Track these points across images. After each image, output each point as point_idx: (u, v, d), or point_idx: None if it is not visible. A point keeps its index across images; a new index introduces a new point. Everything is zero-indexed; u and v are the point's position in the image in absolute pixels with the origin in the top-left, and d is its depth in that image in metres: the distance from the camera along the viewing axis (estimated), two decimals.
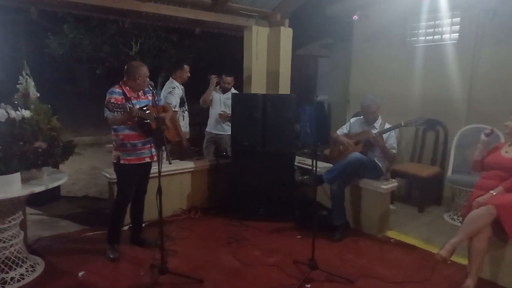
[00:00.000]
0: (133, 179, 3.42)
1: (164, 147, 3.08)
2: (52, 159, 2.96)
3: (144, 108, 3.25)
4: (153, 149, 3.44)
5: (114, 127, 3.30)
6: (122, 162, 3.33)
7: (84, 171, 6.59)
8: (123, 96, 3.24)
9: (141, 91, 3.41)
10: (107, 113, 3.14)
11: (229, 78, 4.90)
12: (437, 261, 2.85)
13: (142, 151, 3.37)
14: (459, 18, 4.86)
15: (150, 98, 3.41)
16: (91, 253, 3.42)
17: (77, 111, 11.22)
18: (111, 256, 3.34)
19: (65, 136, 3.41)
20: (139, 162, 3.37)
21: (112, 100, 3.12)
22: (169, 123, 3.61)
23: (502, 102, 4.33)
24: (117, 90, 3.26)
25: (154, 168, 3.68)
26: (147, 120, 3.23)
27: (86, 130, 9.96)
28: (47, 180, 3.03)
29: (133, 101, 3.28)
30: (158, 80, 10.71)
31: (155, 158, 3.47)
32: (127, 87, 3.31)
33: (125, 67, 3.34)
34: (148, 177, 3.60)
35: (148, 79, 3.32)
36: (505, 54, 4.45)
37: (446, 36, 5.04)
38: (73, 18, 8.92)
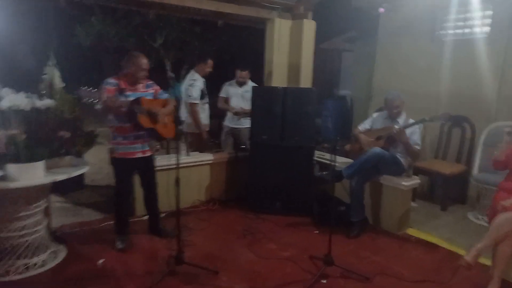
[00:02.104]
0: (127, 173, 3.40)
1: (184, 139, 3.08)
2: (75, 148, 3.02)
3: (134, 100, 3.17)
4: (146, 144, 3.39)
5: (109, 118, 3.24)
6: (115, 155, 3.31)
7: (108, 161, 6.70)
8: (116, 87, 3.17)
9: (142, 84, 3.33)
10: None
11: (244, 72, 4.87)
12: (461, 267, 2.76)
13: (134, 145, 3.31)
14: (491, 12, 4.67)
15: (151, 91, 3.36)
16: (111, 242, 3.47)
17: None
18: (119, 246, 3.38)
19: (89, 126, 3.49)
20: (132, 157, 3.32)
21: (105, 90, 3.09)
22: (166, 118, 3.41)
23: None
24: (111, 81, 3.19)
25: (168, 161, 3.73)
26: (136, 112, 3.14)
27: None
28: (70, 169, 3.11)
29: (127, 93, 3.20)
30: (181, 72, 10.80)
31: (148, 154, 3.42)
32: (124, 78, 3.24)
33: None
34: (151, 171, 3.57)
35: (144, 72, 3.24)
36: None
37: (477, 29, 4.85)
38: (100, 9, 9.06)
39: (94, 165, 6.35)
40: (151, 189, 3.62)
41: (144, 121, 3.22)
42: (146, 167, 3.52)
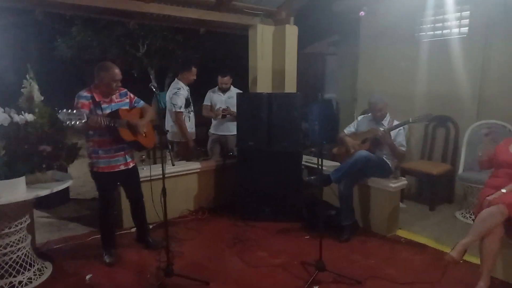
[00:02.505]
0: (110, 186, 3.34)
1: (168, 149, 3.04)
2: (57, 162, 2.95)
3: (112, 113, 3.10)
4: (128, 156, 3.32)
5: (89, 133, 3.14)
6: (95, 170, 3.23)
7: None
8: (90, 101, 3.07)
9: (116, 94, 3.23)
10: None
11: (225, 78, 4.83)
12: (448, 262, 2.77)
13: (116, 158, 3.24)
14: (468, 12, 4.76)
15: (126, 100, 3.29)
16: (98, 256, 3.40)
17: None
18: (107, 261, 3.30)
19: (73, 138, 3.42)
20: (113, 170, 3.24)
21: (79, 106, 3.00)
22: (145, 128, 3.31)
23: None
24: (85, 94, 3.07)
25: (154, 171, 3.69)
26: (116, 126, 3.05)
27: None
28: (53, 183, 3.03)
29: (103, 106, 3.12)
30: (165, 81, 10.75)
31: (131, 165, 3.36)
32: (97, 90, 3.12)
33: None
34: (135, 182, 3.50)
35: (117, 83, 3.12)
36: None
37: (455, 30, 4.93)
38: (81, 20, 8.99)
39: (79, 178, 6.26)
40: (137, 200, 3.56)
41: (126, 134, 3.14)
42: (130, 179, 3.45)
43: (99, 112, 3.07)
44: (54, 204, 4.67)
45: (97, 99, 3.11)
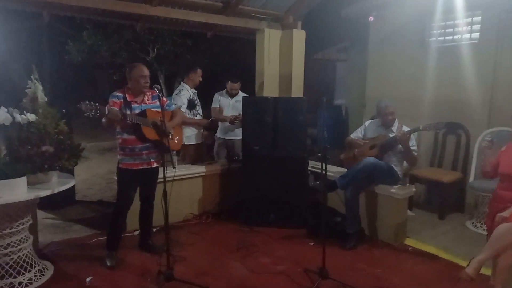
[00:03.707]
0: (131, 184, 3.37)
1: (170, 152, 3.03)
2: (59, 163, 2.94)
3: (140, 113, 3.21)
4: (152, 155, 3.37)
5: (117, 130, 3.28)
6: (121, 166, 3.32)
7: (100, 176, 6.64)
8: (122, 100, 3.21)
9: (148, 96, 3.36)
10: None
11: (235, 84, 4.82)
12: (463, 279, 2.67)
13: (140, 156, 3.31)
14: (479, 17, 4.67)
15: (158, 103, 3.32)
16: (99, 258, 3.38)
17: None
18: (108, 264, 3.28)
19: (78, 140, 3.42)
20: (137, 168, 3.31)
21: (110, 104, 3.13)
22: (173, 130, 3.48)
23: None
24: (118, 94, 3.24)
25: (160, 174, 3.67)
26: (140, 125, 3.16)
27: (104, 135, 10.11)
28: (55, 184, 3.02)
29: (133, 105, 3.24)
30: (174, 86, 10.79)
31: (155, 165, 3.40)
32: (129, 91, 3.28)
33: None
34: (153, 183, 3.53)
35: (144, 78, 3.25)
36: None
37: (466, 36, 4.85)
38: (91, 24, 9.10)
39: (86, 180, 6.30)
40: (149, 202, 3.55)
41: (149, 133, 3.22)
42: (149, 179, 3.49)
43: (127, 111, 3.18)
44: (59, 205, 4.67)
45: (128, 99, 3.23)
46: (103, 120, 3.08)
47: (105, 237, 3.48)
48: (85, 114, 2.84)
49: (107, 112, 2.96)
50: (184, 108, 4.41)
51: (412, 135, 3.81)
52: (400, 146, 3.73)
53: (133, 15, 4.18)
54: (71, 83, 10.21)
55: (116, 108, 3.09)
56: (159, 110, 3.26)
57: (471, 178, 4.45)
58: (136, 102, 3.28)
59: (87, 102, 2.85)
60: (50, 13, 3.85)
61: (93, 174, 6.67)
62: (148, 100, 3.36)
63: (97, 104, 2.90)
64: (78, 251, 3.61)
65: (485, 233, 4.02)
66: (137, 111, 3.24)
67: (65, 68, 10.29)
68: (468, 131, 4.77)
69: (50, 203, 4.36)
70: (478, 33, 4.68)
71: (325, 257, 2.98)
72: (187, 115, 4.46)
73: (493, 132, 4.40)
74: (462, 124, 4.81)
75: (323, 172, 3.03)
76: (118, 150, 3.36)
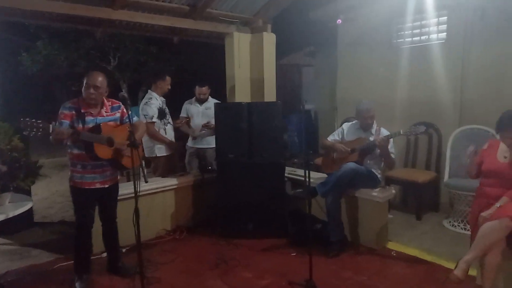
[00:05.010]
0: (87, 202, 3.03)
1: (141, 165, 2.76)
2: (14, 183, 2.63)
3: (94, 127, 2.85)
4: (106, 173, 3.04)
5: (68, 143, 2.92)
6: (71, 184, 3.01)
7: (61, 194, 6.19)
8: (73, 112, 2.85)
9: (107, 107, 3.00)
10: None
11: (203, 88, 4.64)
12: (451, 282, 2.61)
13: (92, 175, 2.97)
14: (446, 18, 4.74)
15: (117, 115, 3.04)
16: (64, 286, 3.08)
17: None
18: None
19: (35, 157, 3.11)
20: (89, 187, 2.98)
21: (61, 117, 2.80)
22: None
23: (494, 102, 4.17)
24: (69, 105, 2.88)
25: (127, 189, 3.40)
26: (91, 142, 2.80)
27: (64, 149, 9.56)
28: (9, 207, 2.70)
29: (87, 118, 2.88)
30: (138, 94, 10.42)
31: (108, 184, 3.07)
32: (84, 102, 2.91)
33: None
34: (112, 201, 3.23)
35: (89, 90, 2.84)
36: (496, 53, 4.31)
37: (433, 36, 4.91)
38: (47, 33, 8.61)
39: (46, 199, 5.85)
40: (111, 222, 3.26)
41: (102, 151, 2.84)
42: (106, 198, 3.15)
43: (78, 124, 2.83)
44: (15, 229, 4.25)
45: (82, 110, 2.87)
46: (50, 137, 2.68)
47: (71, 261, 3.17)
48: (24, 133, 2.49)
49: (51, 130, 2.57)
50: (155, 118, 4.16)
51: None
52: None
53: (93, 20, 3.89)
54: (27, 96, 9.61)
55: (63, 127, 2.72)
56: (118, 122, 3.00)
57: (445, 177, 4.47)
58: (91, 114, 2.91)
59: (27, 119, 2.48)
60: (2, 20, 3.50)
61: (53, 192, 6.22)
62: (106, 111, 2.99)
63: (39, 121, 2.52)
64: (39, 279, 3.27)
65: (464, 231, 4.05)
66: (90, 125, 2.88)
67: (19, 80, 9.66)
68: (440, 130, 4.81)
69: (4, 227, 3.96)
70: (445, 33, 4.74)
71: (311, 269, 2.82)
72: (159, 125, 4.21)
73: (464, 131, 4.47)
74: (434, 123, 4.84)
75: (307, 179, 2.88)
76: (69, 165, 3.02)
